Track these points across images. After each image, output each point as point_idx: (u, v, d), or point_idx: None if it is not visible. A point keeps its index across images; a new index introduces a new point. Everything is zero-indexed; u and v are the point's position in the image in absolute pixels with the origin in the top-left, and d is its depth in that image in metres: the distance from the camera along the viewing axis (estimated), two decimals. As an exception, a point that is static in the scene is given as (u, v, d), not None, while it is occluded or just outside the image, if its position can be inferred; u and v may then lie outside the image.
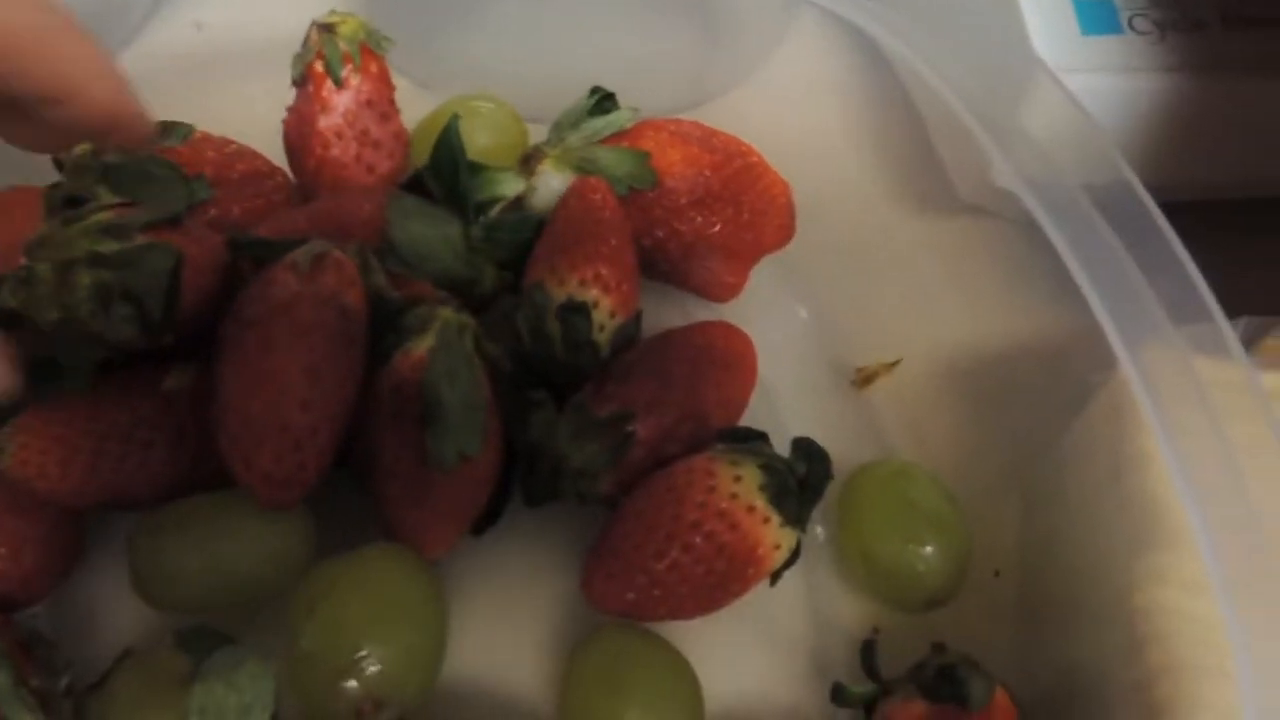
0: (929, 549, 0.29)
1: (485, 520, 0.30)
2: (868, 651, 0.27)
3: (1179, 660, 0.22)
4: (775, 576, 0.29)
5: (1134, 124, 0.35)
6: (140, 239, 0.27)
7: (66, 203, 0.31)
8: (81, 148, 0.31)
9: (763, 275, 0.37)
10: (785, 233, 0.37)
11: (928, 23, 0.32)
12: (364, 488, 0.29)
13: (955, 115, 0.30)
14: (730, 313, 0.36)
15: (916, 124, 0.42)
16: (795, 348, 0.36)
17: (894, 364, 0.34)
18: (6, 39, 0.27)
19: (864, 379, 0.35)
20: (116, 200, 0.30)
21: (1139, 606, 0.23)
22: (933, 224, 0.40)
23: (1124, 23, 0.36)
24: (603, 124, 0.35)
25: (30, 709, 0.23)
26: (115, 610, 0.28)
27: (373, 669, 0.24)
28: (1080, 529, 0.28)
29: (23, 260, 0.26)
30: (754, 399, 0.34)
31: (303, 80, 0.33)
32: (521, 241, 0.33)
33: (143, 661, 0.25)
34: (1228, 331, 0.23)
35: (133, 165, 0.30)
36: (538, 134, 0.37)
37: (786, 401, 0.35)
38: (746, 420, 0.32)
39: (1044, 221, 0.27)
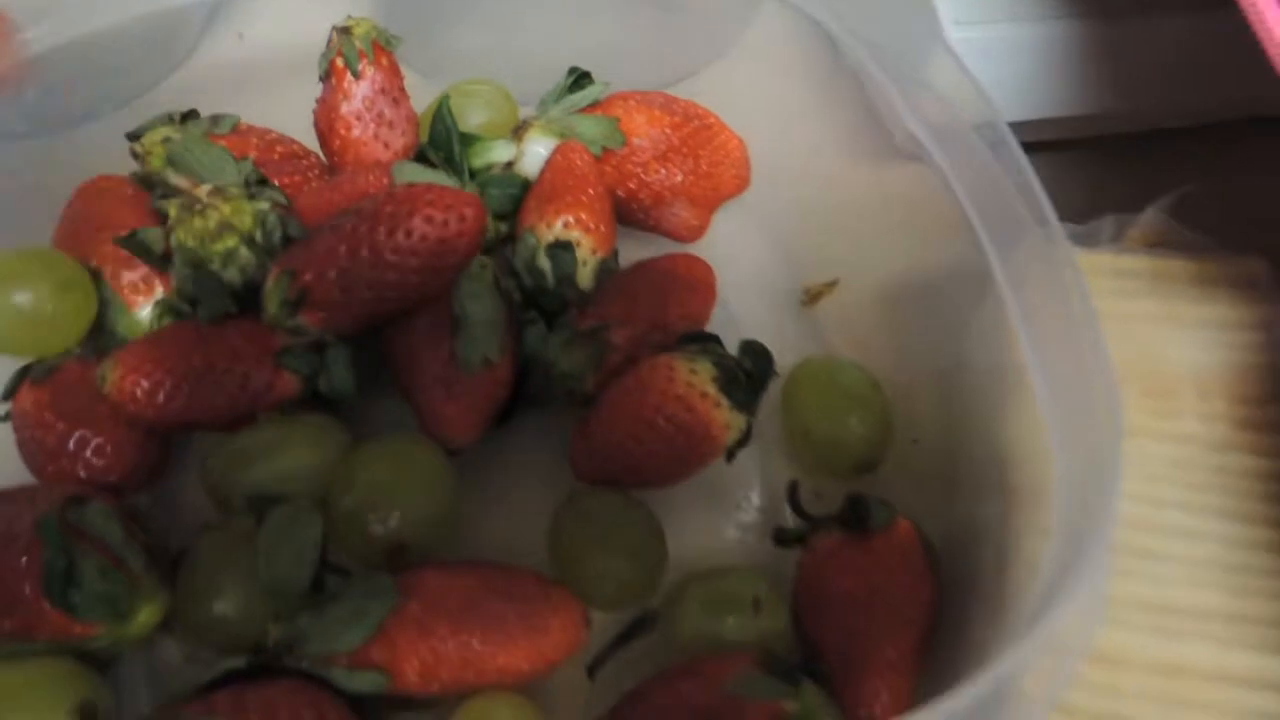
0: (853, 421, 0.34)
1: (504, 416, 0.36)
2: (792, 492, 0.33)
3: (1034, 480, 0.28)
4: (730, 454, 0.35)
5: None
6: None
7: (141, 181, 0.38)
8: (152, 136, 0.38)
9: (731, 222, 0.43)
10: (741, 181, 0.43)
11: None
12: (402, 390, 0.36)
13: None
14: (700, 252, 0.42)
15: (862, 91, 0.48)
16: (756, 278, 0.42)
17: (834, 283, 0.40)
18: None
19: (811, 297, 0.41)
20: (183, 179, 0.37)
21: (1003, 441, 0.29)
22: (872, 172, 0.45)
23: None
24: (580, 97, 0.41)
25: (137, 554, 0.30)
26: (204, 502, 0.34)
27: (397, 519, 0.31)
28: (974, 401, 0.34)
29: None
30: (719, 318, 0.40)
31: (327, 75, 0.39)
32: (510, 195, 0.39)
33: (223, 525, 0.31)
34: (1059, 230, 0.29)
35: (192, 150, 0.37)
36: (528, 112, 0.43)
37: (747, 320, 0.41)
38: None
39: (934, 154, 0.33)
